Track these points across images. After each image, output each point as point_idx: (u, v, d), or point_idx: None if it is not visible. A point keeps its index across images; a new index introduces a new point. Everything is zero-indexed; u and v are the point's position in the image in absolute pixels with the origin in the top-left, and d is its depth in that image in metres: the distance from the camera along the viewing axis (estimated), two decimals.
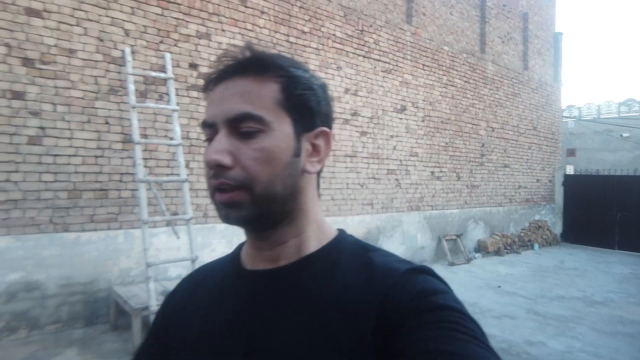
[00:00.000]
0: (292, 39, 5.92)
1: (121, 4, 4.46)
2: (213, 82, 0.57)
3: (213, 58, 5.16)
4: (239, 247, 0.67)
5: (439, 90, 8.09)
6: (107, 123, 4.38)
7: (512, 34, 10.01)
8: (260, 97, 0.54)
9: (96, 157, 4.33)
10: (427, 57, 7.87)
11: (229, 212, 0.54)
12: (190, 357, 0.59)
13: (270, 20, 5.70)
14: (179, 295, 0.69)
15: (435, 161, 8.03)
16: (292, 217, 0.58)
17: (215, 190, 0.54)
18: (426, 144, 7.86)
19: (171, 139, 4.61)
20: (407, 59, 7.52)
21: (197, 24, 5.04)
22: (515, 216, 10.08)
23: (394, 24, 7.32)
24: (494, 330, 4.53)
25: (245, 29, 5.45)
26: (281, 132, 0.54)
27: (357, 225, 6.67)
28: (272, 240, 0.59)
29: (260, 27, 5.60)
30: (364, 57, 6.84)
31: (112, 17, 4.41)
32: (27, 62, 3.97)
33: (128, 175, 4.47)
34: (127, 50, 4.41)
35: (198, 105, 5.03)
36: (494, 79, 9.36)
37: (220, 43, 5.21)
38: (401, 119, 7.44)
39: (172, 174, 4.73)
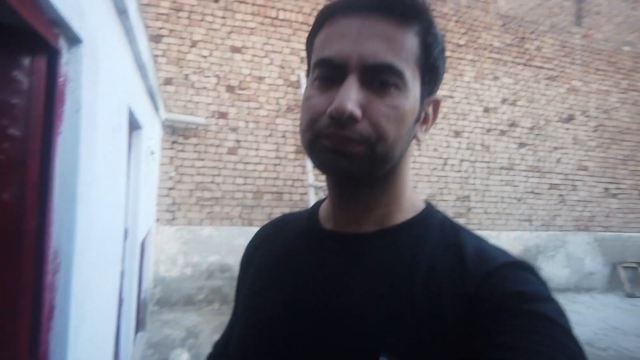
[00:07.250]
0: (447, 53, 6.01)
1: (299, 37, 5.25)
2: (344, 12, 0.49)
3: None
4: (317, 205, 0.64)
5: (616, 97, 7.15)
6: (284, 137, 5.18)
7: None
8: (404, 49, 0.47)
9: (275, 165, 5.14)
10: (601, 60, 7.05)
11: (338, 160, 0.48)
12: (257, 313, 0.56)
13: None
14: (255, 244, 0.69)
15: (610, 176, 7.08)
16: (389, 182, 0.54)
17: (328, 138, 0.48)
18: (599, 156, 7.00)
19: None
20: (575, 64, 6.88)
21: None
22: None
23: (560, 27, 6.80)
24: None
25: None
26: (413, 92, 0.49)
27: (512, 242, 6.33)
28: (362, 202, 0.54)
29: None
30: (524, 65, 6.52)
31: (292, 48, 5.21)
32: (229, 88, 4.99)
33: (299, 182, 5.18)
34: (302, 74, 5.16)
35: None
36: None
37: None
38: (567, 129, 6.81)
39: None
